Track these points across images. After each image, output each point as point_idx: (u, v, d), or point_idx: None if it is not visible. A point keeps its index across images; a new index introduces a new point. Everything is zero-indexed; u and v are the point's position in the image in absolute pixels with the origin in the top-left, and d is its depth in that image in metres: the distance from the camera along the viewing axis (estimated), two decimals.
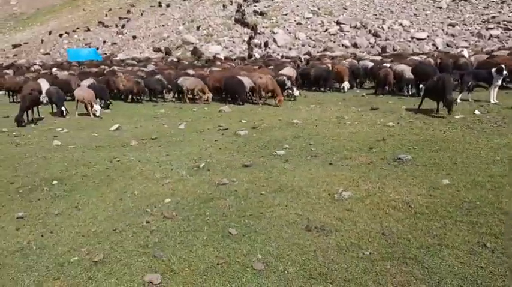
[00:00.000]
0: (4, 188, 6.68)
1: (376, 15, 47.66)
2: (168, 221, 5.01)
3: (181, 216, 5.12)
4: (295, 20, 49.93)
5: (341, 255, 3.93)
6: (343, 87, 15.52)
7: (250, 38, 46.74)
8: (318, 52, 39.83)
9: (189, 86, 14.95)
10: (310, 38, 43.73)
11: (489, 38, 35.18)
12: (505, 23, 37.73)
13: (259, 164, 6.99)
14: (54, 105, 14.74)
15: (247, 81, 13.92)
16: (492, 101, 10.94)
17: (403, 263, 3.70)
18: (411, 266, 3.67)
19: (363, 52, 36.06)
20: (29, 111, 13.19)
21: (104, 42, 65.39)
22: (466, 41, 35.53)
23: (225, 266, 3.95)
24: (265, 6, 57.09)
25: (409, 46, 37.57)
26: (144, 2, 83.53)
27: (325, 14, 50.97)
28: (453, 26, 39.53)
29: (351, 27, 44.34)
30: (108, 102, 15.21)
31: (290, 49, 42.13)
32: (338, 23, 45.96)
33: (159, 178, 6.63)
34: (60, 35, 68.76)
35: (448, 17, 42.94)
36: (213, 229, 4.73)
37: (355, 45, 40.35)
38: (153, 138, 9.76)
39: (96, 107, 13.67)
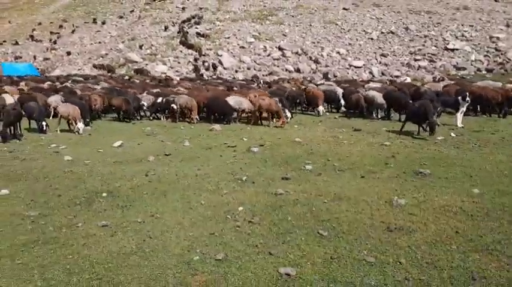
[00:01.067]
0: (56, 201, 6.82)
1: (314, 42, 50.62)
2: (256, 226, 5.61)
3: (266, 221, 5.75)
4: (238, 44, 51.46)
5: (434, 249, 4.82)
6: (319, 110, 16.73)
7: (196, 59, 47.43)
8: (263, 75, 41.48)
9: (182, 104, 15.35)
10: (255, 62, 45.36)
11: (418, 69, 38.97)
12: (430, 55, 42.05)
13: (297, 177, 7.76)
14: (32, 120, 14.42)
15: (235, 102, 14.68)
16: (459, 125, 12.67)
17: (489, 254, 4.67)
18: (496, 255, 4.64)
19: (307, 77, 38.26)
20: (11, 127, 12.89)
21: (35, 57, 62.46)
22: (398, 70, 39.06)
23: (341, 259, 4.67)
24: (206, 29, 58.13)
25: (348, 73, 40.46)
26: (77, 17, 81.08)
27: (267, 39, 53.13)
28: (385, 56, 43.22)
29: (292, 53, 46.70)
30: (88, 120, 15.14)
31: (236, 71, 43.39)
32: (280, 48, 48.17)
33: (213, 190, 7.15)
34: None
35: (379, 48, 46.84)
36: (303, 231, 5.41)
37: (298, 70, 42.59)
38: (167, 155, 10.14)
39: (80, 124, 13.64)
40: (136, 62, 48.71)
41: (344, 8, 62.84)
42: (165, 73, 43.17)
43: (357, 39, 50.25)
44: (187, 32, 56.65)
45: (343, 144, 10.75)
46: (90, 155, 10.30)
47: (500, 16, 55.54)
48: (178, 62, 48.03)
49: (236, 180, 7.68)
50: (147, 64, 47.33)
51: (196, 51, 49.90)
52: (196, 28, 58.65)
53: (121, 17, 76.25)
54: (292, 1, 69.48)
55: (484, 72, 35.23)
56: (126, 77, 37.22)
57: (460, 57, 40.60)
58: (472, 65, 38.31)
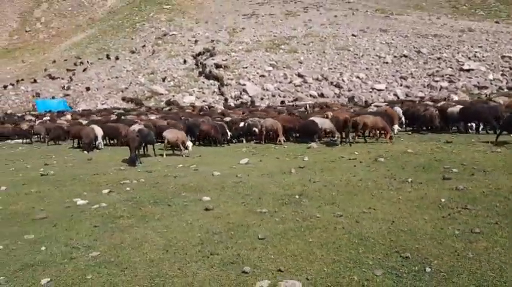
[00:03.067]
0: (268, 199, 7.84)
1: (331, 68, 52.54)
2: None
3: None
4: (257, 73, 53.26)
5: None
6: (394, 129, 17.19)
7: (220, 89, 49.03)
8: (288, 101, 42.95)
9: (268, 126, 16.59)
10: (279, 89, 46.98)
11: (440, 89, 40.63)
12: (448, 76, 43.85)
13: (458, 177, 8.91)
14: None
15: (319, 122, 15.97)
16: None
17: None
18: None
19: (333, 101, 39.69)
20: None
21: (53, 96, 63.96)
22: (421, 91, 40.70)
23: None
24: (223, 60, 60.02)
25: (371, 96, 42.05)
26: (90, 54, 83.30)
27: (284, 67, 55.06)
28: (405, 79, 45.01)
29: (313, 79, 48.44)
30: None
31: (262, 99, 44.85)
32: (300, 75, 49.95)
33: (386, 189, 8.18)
34: (5, 87, 65.92)
35: (397, 71, 48.73)
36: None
37: (322, 95, 44.20)
38: (301, 167, 11.32)
39: (189, 143, 14.80)
40: (162, 94, 50.25)
41: (353, 35, 65.31)
42: (193, 103, 44.58)
43: (372, 64, 52.22)
44: (205, 64, 58.52)
45: (453, 152, 11.95)
46: (228, 170, 11.45)
47: (505, 36, 58.11)
48: (203, 93, 49.61)
49: (398, 182, 8.81)
50: (173, 95, 48.84)
51: (218, 82, 51.55)
52: (213, 59, 60.54)
53: (133, 52, 78.49)
54: (301, 30, 72.11)
55: (505, 90, 36.88)
56: (166, 109, 38.53)
57: (478, 77, 42.39)
58: (491, 83, 40.05)
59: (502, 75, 41.60)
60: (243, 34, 72.80)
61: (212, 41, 71.44)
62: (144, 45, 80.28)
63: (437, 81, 42.71)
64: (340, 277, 4.68)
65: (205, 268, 5.35)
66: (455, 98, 26.97)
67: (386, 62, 51.69)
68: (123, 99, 51.26)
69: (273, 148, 15.65)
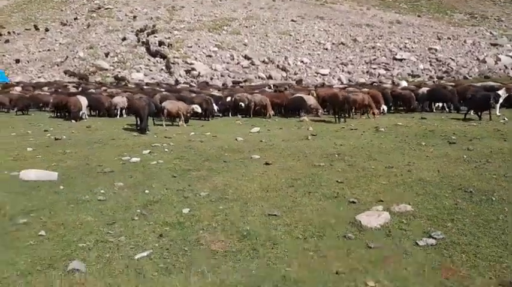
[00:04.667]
0: (317, 155, 9.27)
1: (275, 52, 54.45)
2: None
3: None
4: (203, 53, 53.68)
5: None
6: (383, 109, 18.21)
7: (167, 67, 48.91)
8: (240, 82, 44.20)
9: (257, 101, 17.87)
10: (228, 69, 47.96)
11: (378, 76, 44.17)
12: (384, 64, 47.66)
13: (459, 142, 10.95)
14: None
15: (306, 99, 17.62)
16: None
17: None
18: None
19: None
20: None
21: None
22: (361, 77, 43.95)
23: None
24: (165, 38, 59.40)
25: (317, 80, 44.62)
26: (15, 24, 77.66)
27: (229, 49, 55.97)
28: (345, 65, 48.12)
29: (260, 61, 49.98)
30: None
31: (211, 79, 45.62)
32: (247, 57, 51.24)
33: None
34: None
35: (337, 57, 51.83)
36: None
37: (270, 77, 45.97)
38: (314, 135, 12.90)
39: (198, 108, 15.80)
40: (107, 69, 49.02)
41: (292, 20, 67.68)
42: (142, 80, 44.23)
43: (313, 50, 54.91)
44: (148, 41, 57.63)
45: (437, 125, 14.16)
46: (247, 137, 12.74)
47: (429, 30, 63.68)
48: (150, 70, 49.14)
49: (415, 145, 10.71)
50: (119, 71, 47.87)
51: (164, 60, 51.30)
52: (155, 37, 59.69)
53: (64, 24, 74.72)
54: (241, 12, 73.04)
55: (435, 79, 41.11)
56: (122, 84, 37.98)
57: (410, 66, 46.59)
58: (422, 73, 44.33)
59: (431, 65, 46.08)
60: (183, 13, 72.14)
61: (151, 18, 70.03)
62: (76, 18, 76.49)
63: (374, 68, 46.27)
64: (432, 204, 6.30)
65: (315, 200, 6.73)
66: (403, 83, 29.96)
67: (326, 49, 54.58)
68: (65, 73, 49.17)
69: (265, 121, 17.04)
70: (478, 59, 47.48)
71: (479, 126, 13.65)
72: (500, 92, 15.66)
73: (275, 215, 6.10)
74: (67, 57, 58.15)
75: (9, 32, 71.47)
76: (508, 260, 4.49)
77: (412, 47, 53.33)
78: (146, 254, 5.03)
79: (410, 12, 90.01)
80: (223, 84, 38.55)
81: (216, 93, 21.62)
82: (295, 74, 46.46)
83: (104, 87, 28.45)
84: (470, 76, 40.08)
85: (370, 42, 56.66)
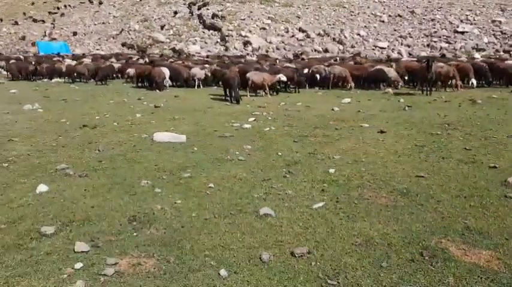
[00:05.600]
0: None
1: (330, 25, 53.66)
2: None
3: None
4: (257, 25, 53.65)
5: None
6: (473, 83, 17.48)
7: (222, 39, 49.34)
8: (293, 55, 43.99)
9: (337, 73, 18.08)
10: (283, 42, 47.87)
11: (439, 49, 42.86)
12: (445, 37, 46.13)
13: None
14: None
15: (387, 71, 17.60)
16: None
17: None
18: None
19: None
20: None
21: (43, 36, 62.00)
22: (423, 51, 42.78)
23: None
24: (218, 10, 59.65)
25: (375, 54, 43.82)
26: None
27: (283, 21, 55.65)
28: (404, 38, 46.91)
29: (315, 34, 49.50)
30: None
31: (267, 51, 45.69)
32: (302, 30, 50.83)
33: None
34: None
35: (395, 30, 50.51)
36: None
37: (326, 51, 45.55)
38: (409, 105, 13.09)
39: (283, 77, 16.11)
40: (163, 42, 50.02)
41: None
42: (199, 53, 44.93)
43: (369, 22, 53.68)
44: (201, 14, 58.09)
45: None
46: (343, 107, 13.05)
47: (492, 1, 60.68)
48: (206, 42, 49.75)
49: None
50: (176, 44, 48.77)
51: (217, 32, 51.71)
52: (208, 9, 60.04)
53: None
54: None
55: (502, 53, 39.51)
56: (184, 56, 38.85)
57: (473, 39, 44.86)
58: (487, 46, 42.64)
59: (495, 38, 44.22)
60: None
61: None
62: None
63: (435, 41, 44.88)
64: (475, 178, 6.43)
65: (454, 165, 7.03)
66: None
67: (383, 21, 53.25)
68: (123, 45, 50.62)
69: (347, 92, 17.25)
70: None
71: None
72: None
73: (422, 176, 6.46)
74: (122, 30, 59.61)
75: (65, 6, 73.79)
76: None
77: (474, 19, 51.15)
78: (322, 205, 5.54)
79: None
80: (284, 57, 38.58)
81: (289, 65, 21.82)
82: (353, 47, 45.80)
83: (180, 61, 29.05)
84: None
85: (429, 14, 54.73)
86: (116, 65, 26.10)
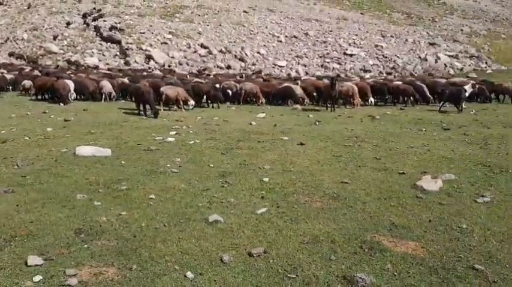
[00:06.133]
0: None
1: (231, 42, 55.16)
2: None
3: None
4: (158, 39, 53.16)
5: None
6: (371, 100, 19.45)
7: (122, 52, 48.05)
8: (197, 71, 44.51)
9: (248, 89, 18.78)
10: (185, 58, 48.03)
11: (332, 70, 46.43)
12: (336, 58, 50.12)
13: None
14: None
15: (294, 88, 18.81)
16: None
17: None
18: None
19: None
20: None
21: None
22: (318, 71, 45.96)
23: None
24: (116, 22, 58.01)
25: (275, 71, 46.04)
26: None
27: (184, 37, 55.87)
28: (301, 58, 49.97)
29: (217, 51, 50.49)
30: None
31: (170, 66, 45.48)
32: (204, 46, 51.51)
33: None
34: None
35: (292, 50, 53.57)
36: None
37: (228, 67, 46.70)
38: (319, 121, 14.15)
39: (191, 101, 16.39)
40: (56, 53, 47.23)
41: (244, 11, 68.64)
42: (97, 65, 43.26)
43: (268, 41, 56.23)
44: (98, 26, 56.01)
45: (422, 114, 15.95)
46: (259, 121, 13.71)
47: (374, 27, 67.37)
48: (104, 55, 48.01)
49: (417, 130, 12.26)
50: (71, 56, 46.35)
51: (116, 45, 50.30)
52: (105, 21, 58.12)
53: (1, 4, 70.32)
54: (191, 0, 72.78)
55: (385, 75, 44.01)
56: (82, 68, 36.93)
57: (360, 62, 49.36)
58: (372, 67, 47.21)
59: (378, 61, 49.16)
60: None
61: (95, 1, 67.76)
62: None
63: (328, 62, 48.50)
64: (468, 174, 7.70)
65: (370, 172, 7.95)
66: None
67: (281, 41, 56.14)
68: (11, 55, 46.69)
69: (259, 108, 18.05)
70: (419, 57, 51.40)
71: (456, 116, 15.63)
72: (466, 87, 17.86)
73: (346, 182, 7.24)
74: (7, 38, 54.98)
75: None
76: None
77: (360, 43, 56.29)
78: (265, 210, 5.98)
79: (353, 9, 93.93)
80: (190, 72, 38.73)
81: (199, 80, 22.15)
82: (253, 64, 47.53)
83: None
84: (416, 73, 43.40)
85: (321, 36, 58.97)
86: (8, 76, 24.14)
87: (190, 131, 11.92)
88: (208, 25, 60.90)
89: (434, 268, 4.45)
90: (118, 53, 48.14)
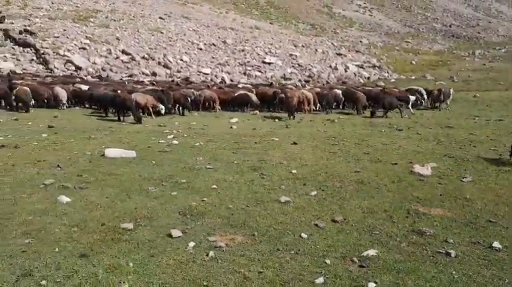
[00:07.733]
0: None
1: (152, 49, 55.10)
2: None
3: None
4: (75, 44, 51.35)
5: None
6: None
7: (40, 57, 45.77)
8: (122, 78, 44.08)
9: (207, 96, 19.91)
10: (108, 64, 47.12)
11: (255, 77, 48.79)
12: (257, 66, 52.60)
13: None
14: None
15: (250, 95, 20.41)
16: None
17: None
18: None
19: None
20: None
21: None
22: (242, 78, 47.98)
23: None
24: (25, 25, 54.82)
25: (200, 79, 47.14)
26: None
27: (103, 42, 54.57)
28: (224, 66, 51.70)
29: (140, 57, 50.21)
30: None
31: (97, 71, 44.36)
32: (126, 52, 50.86)
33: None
34: None
35: (213, 57, 55.05)
36: None
37: (154, 74, 46.80)
38: (287, 126, 15.87)
39: (161, 106, 17.21)
40: None
41: (160, 17, 68.72)
42: (13, 71, 40.85)
43: (188, 49, 57.10)
44: (6, 29, 52.52)
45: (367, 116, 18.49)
46: (236, 125, 15.12)
47: (285, 37, 71.55)
48: (18, 59, 45.31)
49: (377, 131, 14.57)
50: None
51: (31, 49, 47.78)
52: (12, 24, 54.68)
53: None
54: (104, 4, 71.02)
55: (303, 82, 47.40)
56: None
57: (279, 70, 52.42)
58: (291, 76, 50.47)
59: (295, 69, 52.67)
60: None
61: None
62: None
63: (250, 70, 50.79)
64: (443, 163, 9.97)
65: (369, 163, 9.88)
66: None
67: (201, 49, 57.33)
68: None
69: (220, 114, 19.35)
70: (330, 66, 56.01)
71: (398, 119, 18.41)
72: (411, 97, 20.94)
73: (359, 171, 9.06)
74: None
75: None
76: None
77: (276, 52, 59.58)
78: (316, 193, 7.53)
79: (262, 19, 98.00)
80: (120, 79, 38.27)
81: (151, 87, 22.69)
82: (178, 71, 48.07)
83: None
84: (330, 81, 47.42)
85: (238, 45, 61.20)
86: None
87: (185, 135, 12.91)
88: (125, 31, 60.00)
89: (465, 223, 6.36)
90: (34, 58, 45.68)
